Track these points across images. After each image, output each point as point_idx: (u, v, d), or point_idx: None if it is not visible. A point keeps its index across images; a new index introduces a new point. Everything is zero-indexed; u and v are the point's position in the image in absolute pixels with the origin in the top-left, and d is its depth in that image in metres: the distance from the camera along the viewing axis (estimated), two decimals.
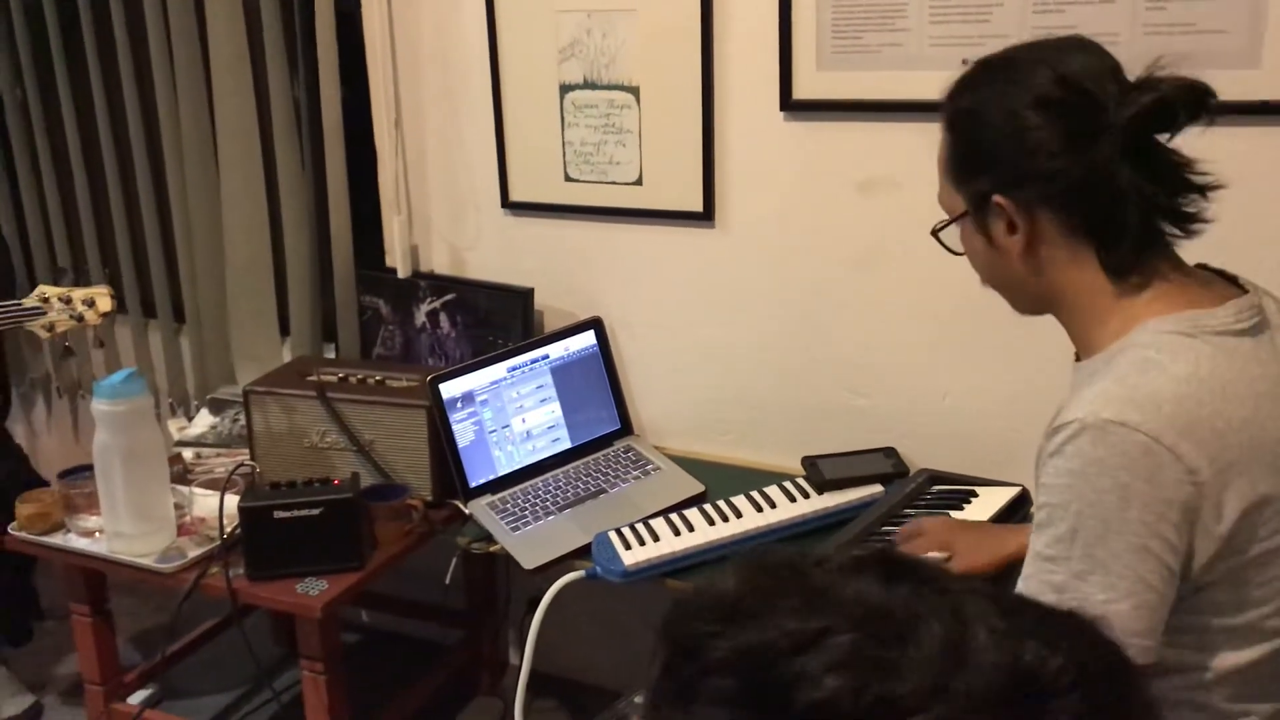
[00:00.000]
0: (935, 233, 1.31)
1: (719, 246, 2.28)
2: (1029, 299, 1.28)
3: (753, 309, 2.29)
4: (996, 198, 1.19)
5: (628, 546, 2.00)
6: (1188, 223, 1.18)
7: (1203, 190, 1.16)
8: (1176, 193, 1.16)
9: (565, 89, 2.30)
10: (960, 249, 1.30)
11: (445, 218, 2.53)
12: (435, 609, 2.68)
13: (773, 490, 2.09)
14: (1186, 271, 1.21)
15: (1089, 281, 1.19)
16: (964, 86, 1.25)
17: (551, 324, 2.45)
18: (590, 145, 2.31)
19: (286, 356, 2.72)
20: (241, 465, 2.22)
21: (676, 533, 2.02)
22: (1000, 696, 0.45)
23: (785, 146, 2.16)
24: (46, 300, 2.26)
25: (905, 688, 0.45)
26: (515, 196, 2.42)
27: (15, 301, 2.29)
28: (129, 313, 2.93)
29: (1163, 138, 1.15)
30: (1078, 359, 1.26)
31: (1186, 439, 1.07)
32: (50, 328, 2.27)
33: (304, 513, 2.06)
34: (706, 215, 2.25)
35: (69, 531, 2.24)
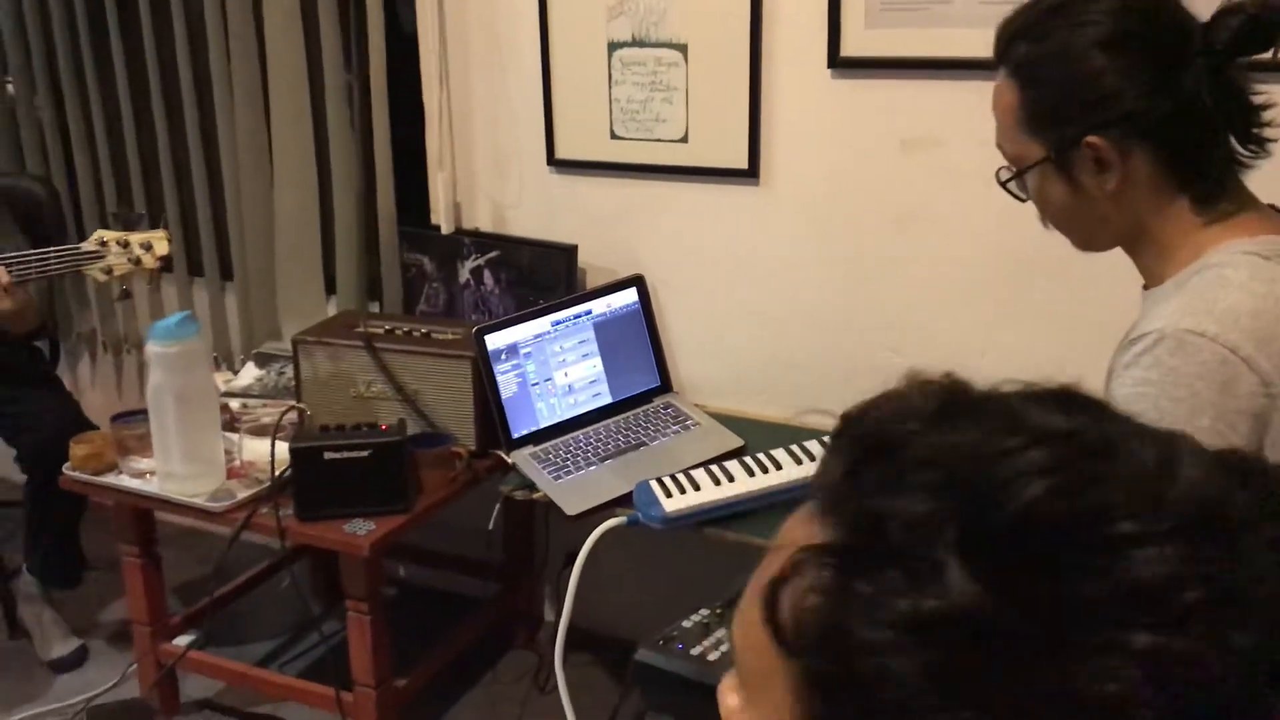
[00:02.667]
0: (1004, 183, 1.30)
1: (763, 204, 2.30)
2: (1104, 237, 1.28)
3: (795, 266, 2.32)
4: (1090, 139, 1.19)
5: (668, 495, 2.03)
6: (1260, 150, 1.19)
7: (1266, 119, 1.18)
8: (1253, 119, 1.17)
9: (613, 46, 2.33)
10: (1027, 197, 1.30)
11: (490, 175, 2.57)
12: (473, 563, 2.71)
13: (812, 444, 2.12)
14: (1256, 202, 1.23)
15: (1172, 213, 1.20)
16: (1028, 31, 1.24)
17: (594, 282, 2.48)
18: (637, 103, 2.34)
19: (332, 313, 2.76)
20: (292, 408, 2.26)
21: (716, 482, 2.05)
22: (1203, 520, 0.44)
23: (832, 104, 2.18)
24: (104, 244, 2.31)
25: (1118, 496, 0.44)
26: (561, 154, 2.46)
27: (74, 245, 2.34)
28: (174, 271, 2.98)
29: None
30: (1146, 288, 1.27)
31: (1263, 351, 1.09)
32: (108, 271, 2.32)
33: (353, 455, 2.10)
34: (751, 173, 2.28)
35: (121, 473, 2.29)
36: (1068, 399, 0.50)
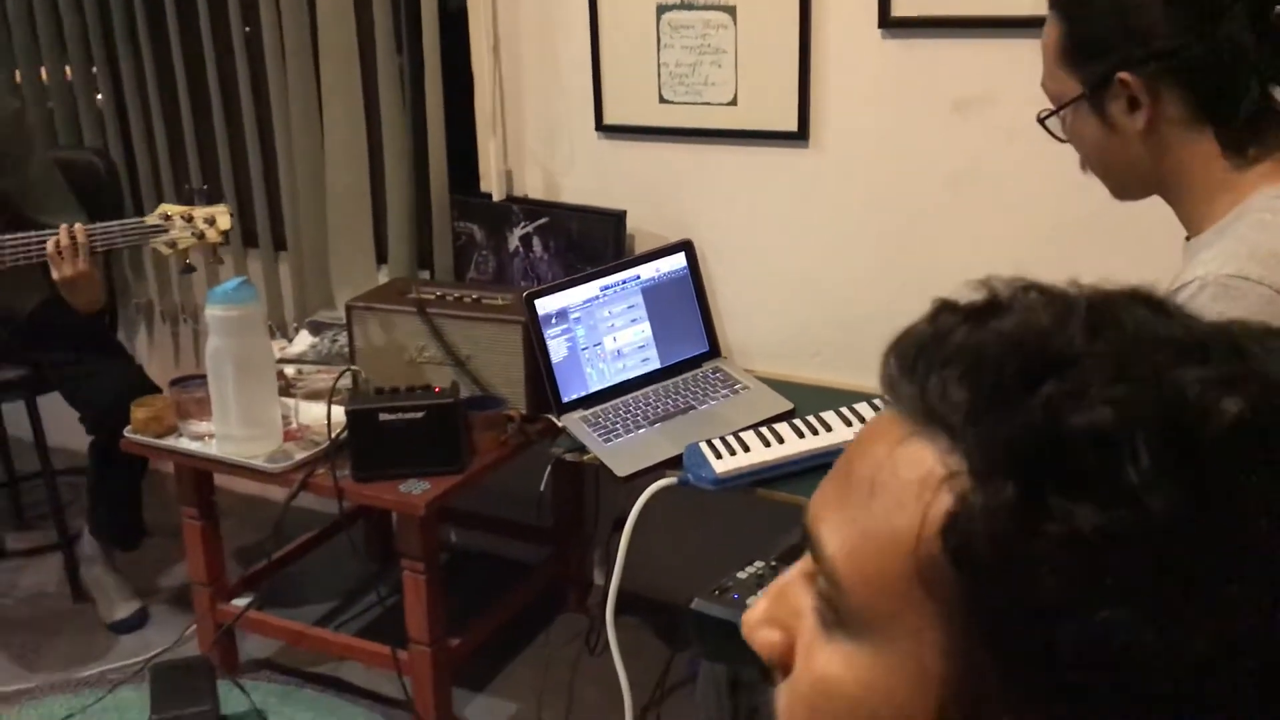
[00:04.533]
0: (1042, 120, 1.32)
1: (812, 167, 2.30)
2: (1138, 182, 1.29)
3: (845, 229, 2.31)
4: (1121, 75, 1.19)
5: (718, 456, 2.04)
6: None
7: None
8: None
9: (662, 10, 2.33)
10: (1065, 136, 1.31)
11: (539, 142, 2.59)
12: (524, 528, 2.75)
13: (862, 407, 2.12)
14: None
15: (1205, 158, 1.20)
16: None
17: (643, 247, 2.49)
18: (685, 66, 2.34)
19: (383, 282, 2.79)
20: (347, 370, 2.30)
21: (766, 444, 2.06)
22: None
23: (882, 65, 2.17)
24: (169, 218, 2.36)
25: None
26: (609, 119, 2.47)
27: (139, 219, 2.38)
28: (230, 242, 3.02)
29: None
30: (1188, 239, 1.27)
31: None
32: (172, 245, 2.36)
33: (407, 416, 2.13)
34: (801, 135, 2.27)
35: (181, 435, 2.34)
36: (1161, 303, 0.51)
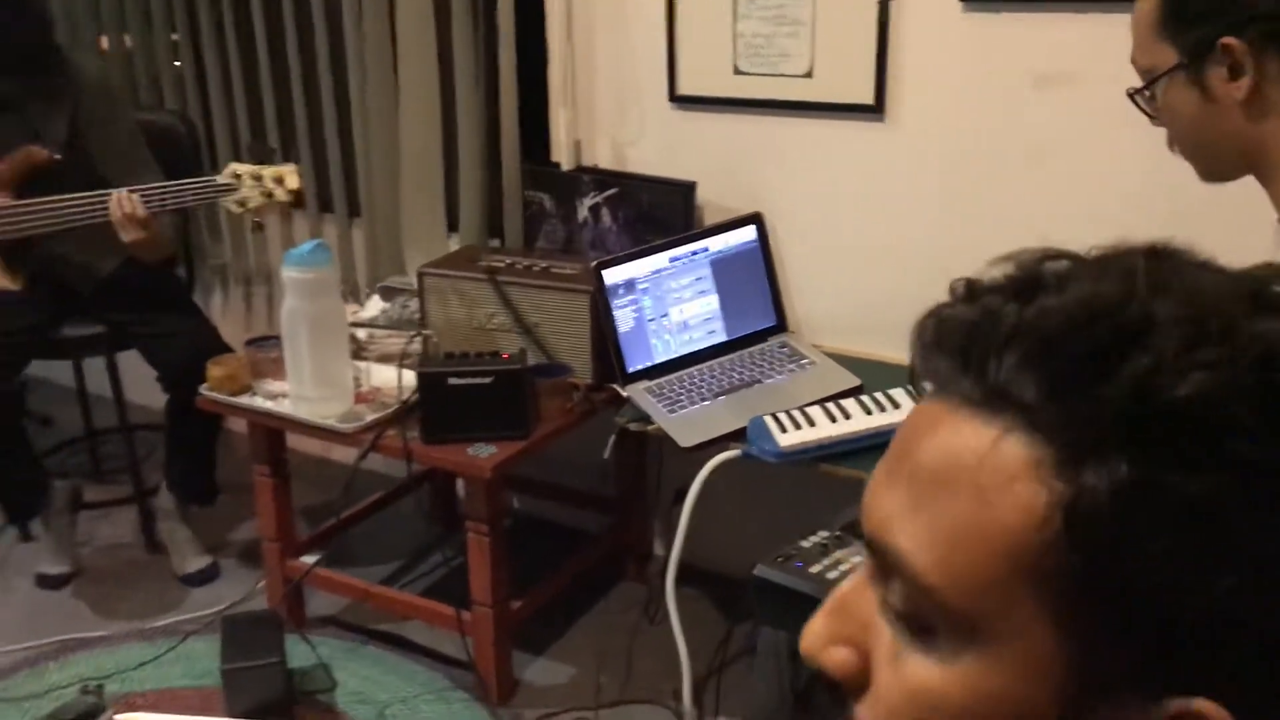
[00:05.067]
0: (1133, 95, 1.29)
1: (888, 141, 2.28)
2: (1230, 159, 1.26)
3: (919, 205, 2.29)
4: (1224, 40, 1.16)
5: (783, 430, 2.04)
6: None
7: None
8: None
9: None
10: (1156, 112, 1.28)
11: (611, 112, 2.59)
12: (587, 497, 2.77)
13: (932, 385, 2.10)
14: None
15: None
16: None
17: (712, 219, 2.49)
18: (761, 37, 2.33)
19: (454, 249, 2.82)
20: (418, 335, 2.33)
21: (833, 419, 2.05)
22: None
23: (962, 38, 2.14)
24: (238, 177, 2.40)
25: None
26: (683, 90, 2.46)
27: (209, 178, 2.43)
28: (306, 207, 3.07)
29: None
30: None
31: None
32: (242, 203, 2.41)
33: (475, 380, 2.16)
34: (877, 109, 2.25)
35: (255, 394, 2.39)
36: (1191, 252, 0.51)
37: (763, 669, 1.76)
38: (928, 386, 0.51)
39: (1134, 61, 1.30)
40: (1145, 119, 1.30)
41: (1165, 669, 0.45)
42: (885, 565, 0.51)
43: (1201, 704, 0.45)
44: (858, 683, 0.53)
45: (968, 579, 0.47)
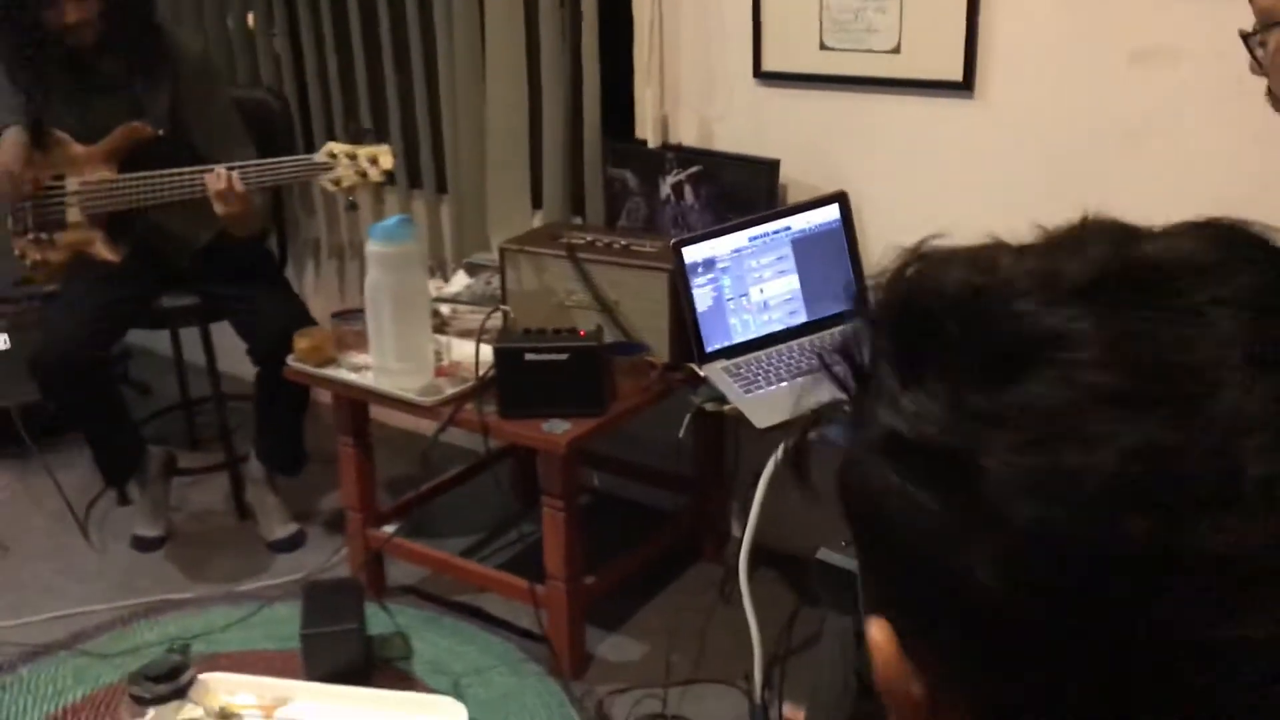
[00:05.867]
0: (1248, 36, 1.22)
1: (977, 118, 2.22)
2: None
3: (1010, 184, 2.23)
4: None
5: None
6: None
7: None
8: None
9: None
10: (1268, 58, 1.22)
11: (696, 88, 2.57)
12: (664, 476, 2.77)
13: None
14: None
15: None
16: None
17: (796, 198, 2.46)
18: (849, 13, 2.28)
19: (537, 225, 2.83)
20: (496, 310, 2.35)
21: None
22: None
23: (1055, 12, 2.07)
24: (334, 156, 2.45)
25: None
26: (768, 66, 2.43)
27: (306, 156, 2.48)
28: (396, 184, 3.11)
29: None
30: None
31: None
32: (336, 182, 2.45)
33: (552, 357, 2.17)
34: (966, 85, 2.19)
35: (340, 366, 2.43)
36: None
37: (828, 651, 1.73)
38: None
39: (1255, 3, 1.23)
40: (1254, 99, 1.24)
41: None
42: None
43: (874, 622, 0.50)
44: None
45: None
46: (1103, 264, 0.46)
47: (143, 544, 2.89)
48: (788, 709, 2.19)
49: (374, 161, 2.44)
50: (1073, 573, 0.42)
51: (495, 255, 2.68)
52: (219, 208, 2.48)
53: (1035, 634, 0.43)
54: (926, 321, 0.47)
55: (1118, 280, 0.45)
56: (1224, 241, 0.47)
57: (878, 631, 0.50)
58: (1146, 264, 0.46)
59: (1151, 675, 0.42)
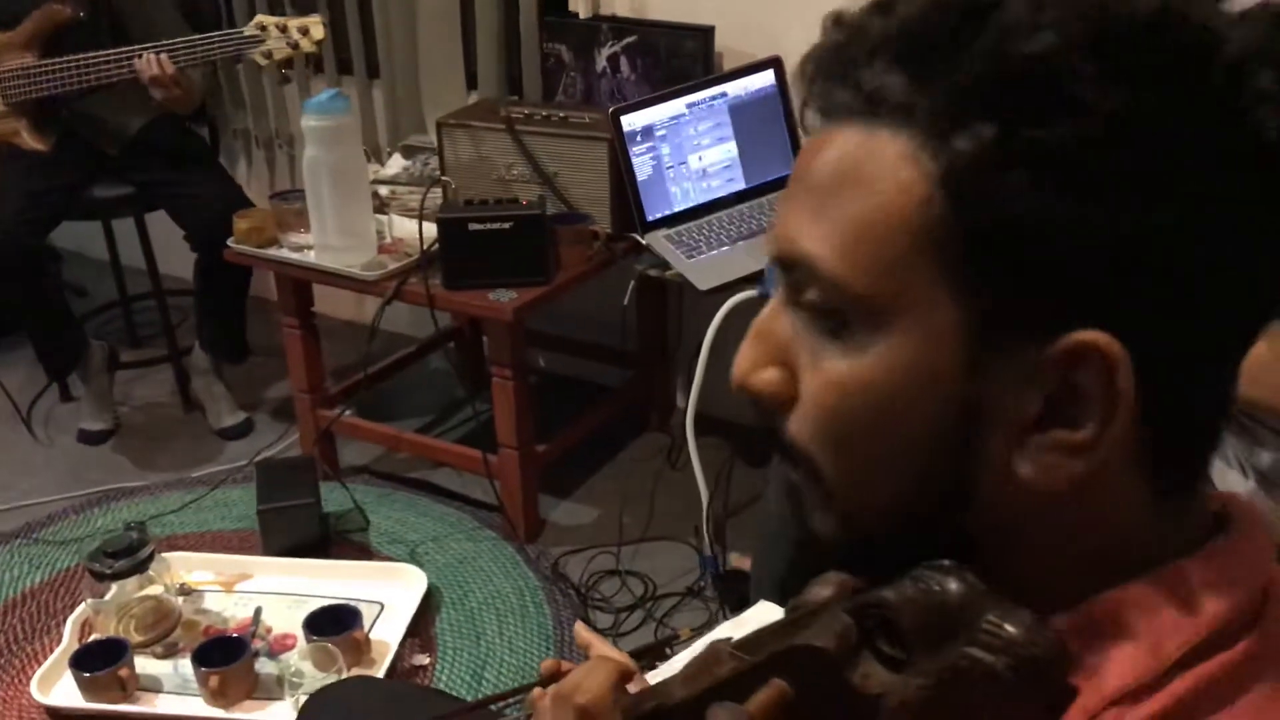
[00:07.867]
0: None
1: None
2: None
3: None
4: None
5: None
6: None
7: None
8: None
9: None
10: None
11: None
12: (609, 352, 2.81)
13: None
14: None
15: None
16: None
17: (731, 65, 2.47)
18: None
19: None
20: (436, 185, 2.35)
21: None
22: None
23: None
24: (264, 29, 2.41)
25: None
26: None
27: (235, 30, 2.44)
28: (325, 71, 3.06)
29: None
30: None
31: None
32: (268, 55, 2.41)
33: (495, 226, 2.19)
34: None
35: (281, 247, 2.43)
36: None
37: (775, 505, 1.81)
38: (815, 122, 0.55)
39: None
40: None
41: (1055, 311, 0.49)
42: (798, 279, 0.54)
43: (1091, 335, 0.48)
44: (787, 399, 0.56)
45: (872, 264, 0.51)
46: None
47: (89, 437, 2.88)
48: (735, 558, 2.28)
49: (305, 32, 2.40)
50: None
51: (431, 138, 2.67)
52: (157, 93, 2.45)
53: None
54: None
55: None
56: None
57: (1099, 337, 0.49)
58: None
59: None
